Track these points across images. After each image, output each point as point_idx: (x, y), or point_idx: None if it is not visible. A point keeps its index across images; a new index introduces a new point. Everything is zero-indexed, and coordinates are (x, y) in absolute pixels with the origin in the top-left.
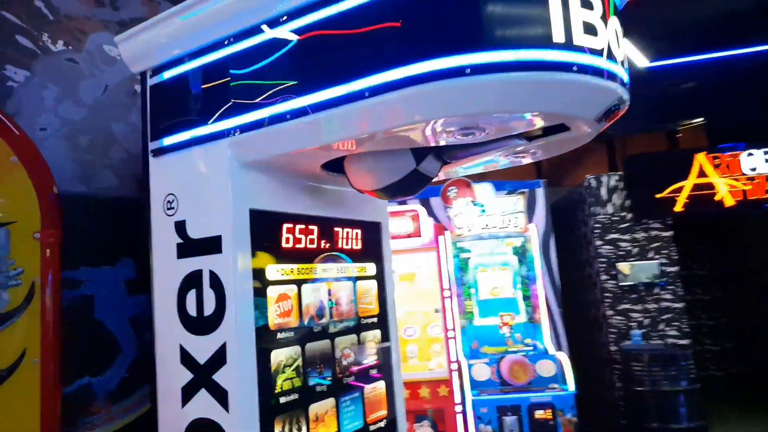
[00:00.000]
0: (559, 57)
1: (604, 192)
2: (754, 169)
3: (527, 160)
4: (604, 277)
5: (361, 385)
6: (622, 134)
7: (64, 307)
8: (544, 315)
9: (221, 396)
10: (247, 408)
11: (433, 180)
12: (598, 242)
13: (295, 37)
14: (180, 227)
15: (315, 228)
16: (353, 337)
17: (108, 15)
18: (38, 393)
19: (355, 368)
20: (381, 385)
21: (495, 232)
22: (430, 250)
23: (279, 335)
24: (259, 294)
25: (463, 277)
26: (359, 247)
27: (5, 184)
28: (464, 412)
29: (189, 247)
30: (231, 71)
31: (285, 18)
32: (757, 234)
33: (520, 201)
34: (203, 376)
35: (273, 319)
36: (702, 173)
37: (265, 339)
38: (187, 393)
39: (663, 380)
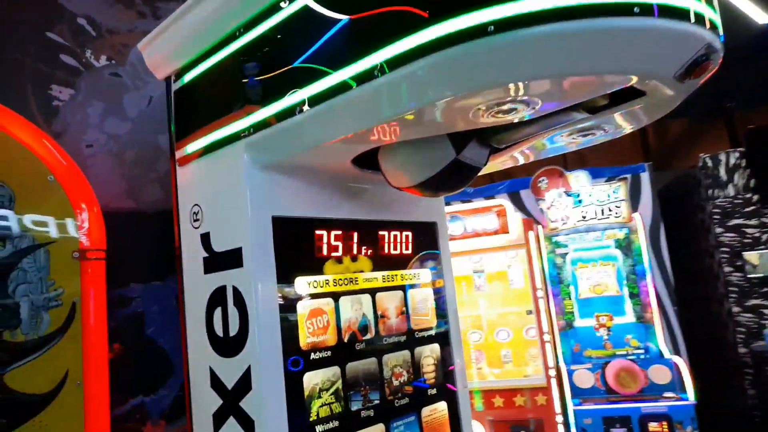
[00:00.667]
0: None
1: (723, 172)
2: None
3: (599, 139)
4: (727, 269)
5: (417, 408)
6: (744, 108)
7: (115, 325)
8: (656, 314)
9: (248, 426)
10: None
11: (481, 170)
12: (719, 230)
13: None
14: (205, 240)
15: (354, 233)
16: (405, 353)
17: (150, 26)
18: (82, 416)
19: (409, 389)
20: (442, 406)
21: (593, 224)
22: (520, 246)
23: (312, 356)
24: (287, 310)
25: (559, 275)
26: (409, 251)
27: (43, 203)
28: (566, 423)
29: (214, 261)
30: (243, 66)
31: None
32: None
33: (621, 188)
34: (232, 402)
35: (304, 338)
36: None
37: (296, 361)
38: (218, 420)
39: None
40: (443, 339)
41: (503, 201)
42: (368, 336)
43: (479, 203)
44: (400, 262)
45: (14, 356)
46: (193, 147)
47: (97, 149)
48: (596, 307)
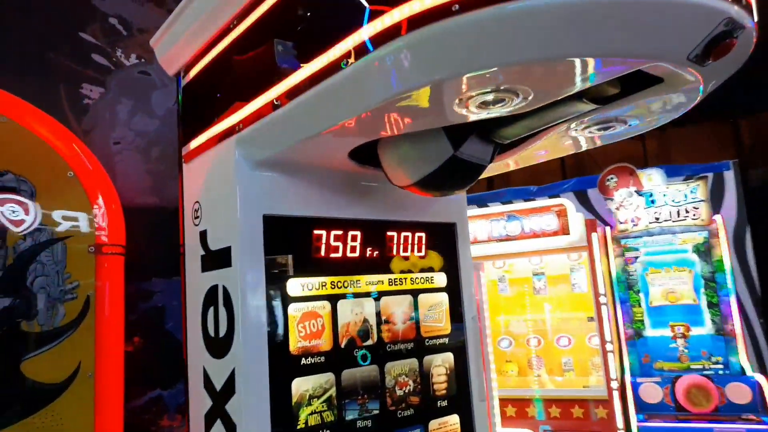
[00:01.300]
0: None
1: None
2: None
3: (622, 134)
4: None
5: (424, 420)
6: None
7: (135, 319)
8: (739, 326)
9: (231, 430)
10: None
11: (487, 167)
12: None
13: None
14: (203, 237)
15: (358, 233)
16: (412, 361)
17: None
18: (93, 407)
19: (415, 399)
20: (453, 420)
21: (668, 226)
22: (582, 249)
23: (303, 360)
24: (277, 312)
25: (628, 280)
26: (422, 254)
27: (62, 198)
28: None
29: (209, 259)
30: (235, 59)
31: None
32: None
33: (699, 188)
34: (219, 404)
35: (295, 342)
36: None
37: (283, 365)
38: (208, 422)
39: None
40: (458, 348)
41: (568, 200)
42: (369, 342)
43: (539, 202)
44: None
45: (30, 346)
46: (195, 143)
47: (125, 146)
48: (669, 316)
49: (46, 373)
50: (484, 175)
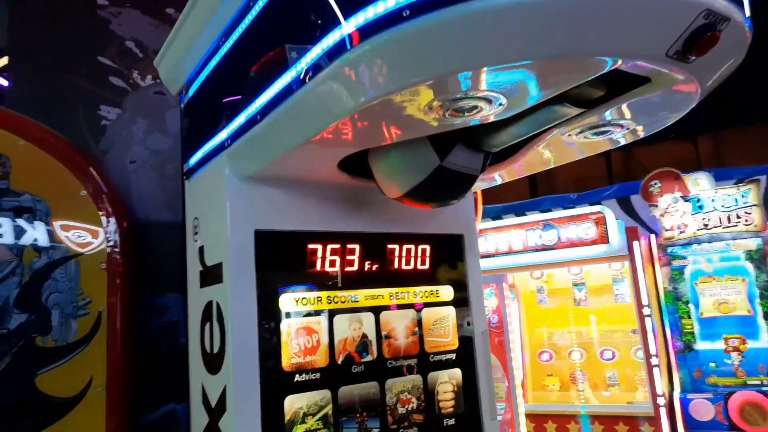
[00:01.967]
0: None
1: None
2: None
3: (619, 138)
4: None
5: None
6: None
7: (150, 334)
8: None
9: None
10: None
11: (479, 177)
12: None
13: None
14: (201, 254)
15: (356, 246)
16: (415, 378)
17: None
18: (104, 422)
19: (418, 417)
20: None
21: (718, 232)
22: (622, 258)
23: (297, 377)
24: (269, 329)
25: (676, 290)
26: (426, 266)
27: (75, 217)
28: None
29: (206, 275)
30: (224, 76)
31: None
32: None
33: (751, 192)
34: (214, 421)
35: (288, 358)
36: None
37: (276, 382)
38: None
39: None
40: (467, 364)
41: (608, 208)
42: (368, 358)
43: (577, 210)
44: (415, 279)
45: (45, 360)
46: (194, 160)
47: (140, 164)
48: (722, 328)
49: (59, 387)
50: (491, 184)
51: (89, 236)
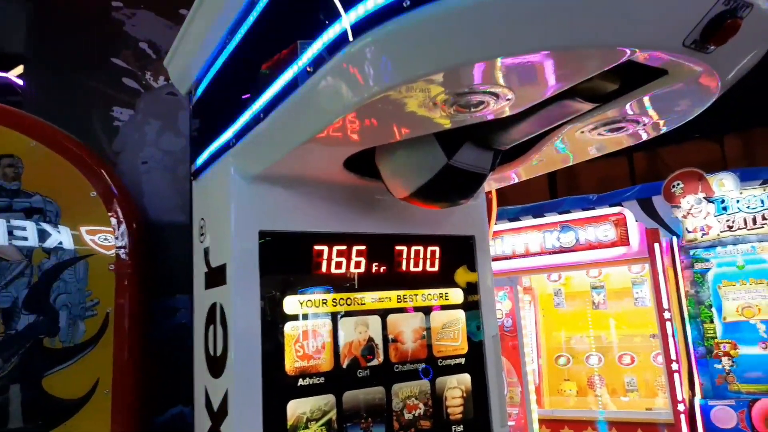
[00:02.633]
0: None
1: None
2: None
3: (634, 135)
4: None
5: None
6: None
7: (160, 336)
8: None
9: None
10: None
11: (489, 176)
12: None
13: None
14: (206, 255)
15: (363, 247)
16: (423, 383)
17: None
18: (109, 424)
19: (426, 423)
20: None
21: (743, 234)
22: (642, 260)
23: (301, 381)
24: (272, 331)
25: (698, 294)
26: (436, 268)
27: (84, 218)
28: None
29: (211, 276)
30: (229, 74)
31: None
32: None
33: None
34: (216, 425)
35: (291, 362)
36: None
37: (278, 387)
38: None
39: None
40: (476, 368)
41: (628, 209)
42: (374, 362)
43: (596, 212)
44: (423, 281)
45: (52, 362)
46: (200, 160)
47: (152, 165)
48: (746, 333)
49: (65, 388)
50: (507, 183)
51: (98, 237)
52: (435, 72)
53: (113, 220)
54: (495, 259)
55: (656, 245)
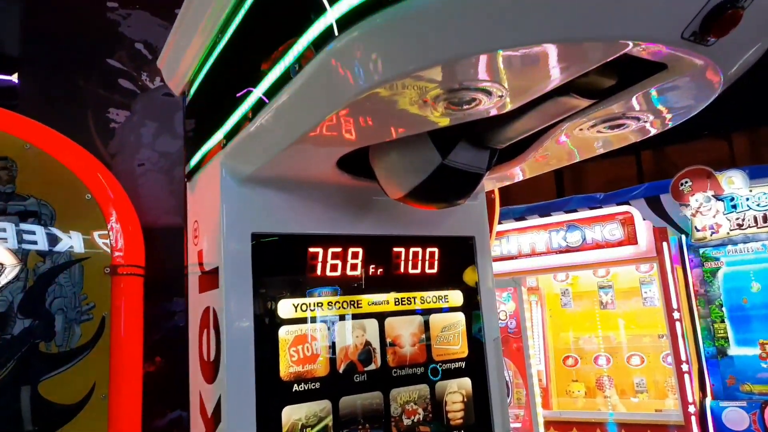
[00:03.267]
0: None
1: None
2: None
3: (634, 131)
4: None
5: None
6: None
7: (157, 339)
8: None
9: None
10: None
11: (485, 175)
12: None
13: None
14: (200, 258)
15: (359, 249)
16: (422, 387)
17: None
18: (106, 429)
19: (425, 429)
20: None
21: (753, 233)
22: (650, 260)
23: (295, 387)
24: (266, 336)
25: (708, 293)
26: (434, 270)
27: (80, 220)
28: None
29: (204, 280)
30: (220, 74)
31: None
32: None
33: None
34: (210, 431)
35: (286, 367)
36: None
37: (273, 392)
38: None
39: None
40: (477, 372)
41: (635, 208)
42: (371, 367)
43: (602, 210)
44: (422, 283)
45: (48, 366)
46: (194, 161)
47: (149, 167)
48: (758, 333)
49: (62, 393)
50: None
51: (93, 239)
52: (424, 67)
53: (109, 223)
54: (500, 259)
55: (664, 244)
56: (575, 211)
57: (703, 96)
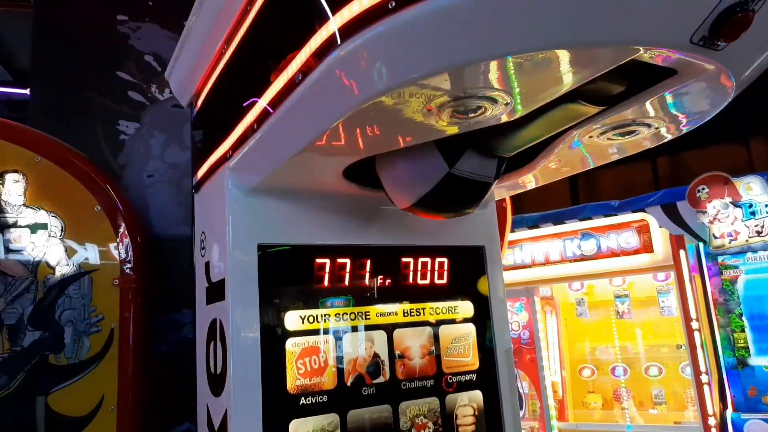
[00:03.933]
0: None
1: None
2: None
3: (645, 139)
4: None
5: None
6: None
7: (166, 351)
8: None
9: None
10: None
11: (493, 184)
12: None
13: None
14: (207, 269)
15: (367, 261)
16: (432, 401)
17: None
18: None
19: None
20: None
21: None
22: (667, 268)
23: (303, 400)
24: (273, 348)
25: (727, 302)
26: (444, 280)
27: (89, 232)
28: None
29: (211, 291)
30: (225, 85)
31: None
32: None
33: None
34: None
35: (293, 380)
36: None
37: (280, 406)
38: None
39: None
40: (488, 385)
41: (651, 215)
42: (380, 379)
43: (618, 218)
44: (431, 294)
45: (57, 378)
46: (201, 172)
47: (158, 178)
48: None
49: (71, 405)
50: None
51: (102, 251)
52: (428, 75)
53: (117, 235)
54: (514, 268)
55: (681, 252)
56: (590, 218)
57: (716, 101)
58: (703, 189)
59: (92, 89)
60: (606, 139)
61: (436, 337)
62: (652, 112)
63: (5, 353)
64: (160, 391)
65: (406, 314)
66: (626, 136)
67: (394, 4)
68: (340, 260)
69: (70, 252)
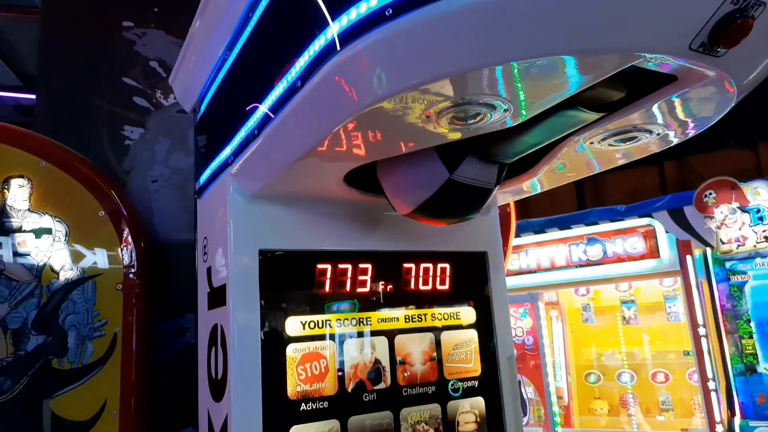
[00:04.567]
0: None
1: None
2: None
3: (650, 145)
4: None
5: None
6: None
7: (169, 356)
8: None
9: None
10: None
11: (494, 190)
12: None
13: None
14: (209, 274)
15: (368, 266)
16: (433, 407)
17: None
18: None
19: None
20: None
21: None
22: (674, 274)
23: (303, 406)
24: (273, 354)
25: (735, 308)
26: (446, 286)
27: (93, 237)
28: None
29: (213, 297)
30: (227, 90)
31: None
32: None
33: None
34: None
35: (294, 386)
36: None
37: (280, 412)
38: None
39: None
40: (490, 391)
41: (658, 220)
42: (381, 385)
43: (624, 223)
44: (432, 299)
45: (61, 383)
46: (203, 178)
47: (162, 183)
48: None
49: (74, 410)
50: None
51: (107, 257)
52: (428, 81)
53: (121, 240)
54: (519, 273)
55: (688, 257)
56: (596, 223)
57: (718, 107)
58: (711, 194)
59: (97, 95)
60: (607, 146)
61: (437, 343)
62: (653, 119)
63: (9, 357)
64: (162, 396)
65: (407, 320)
66: (628, 143)
67: (390, 11)
68: (341, 266)
69: (74, 257)
